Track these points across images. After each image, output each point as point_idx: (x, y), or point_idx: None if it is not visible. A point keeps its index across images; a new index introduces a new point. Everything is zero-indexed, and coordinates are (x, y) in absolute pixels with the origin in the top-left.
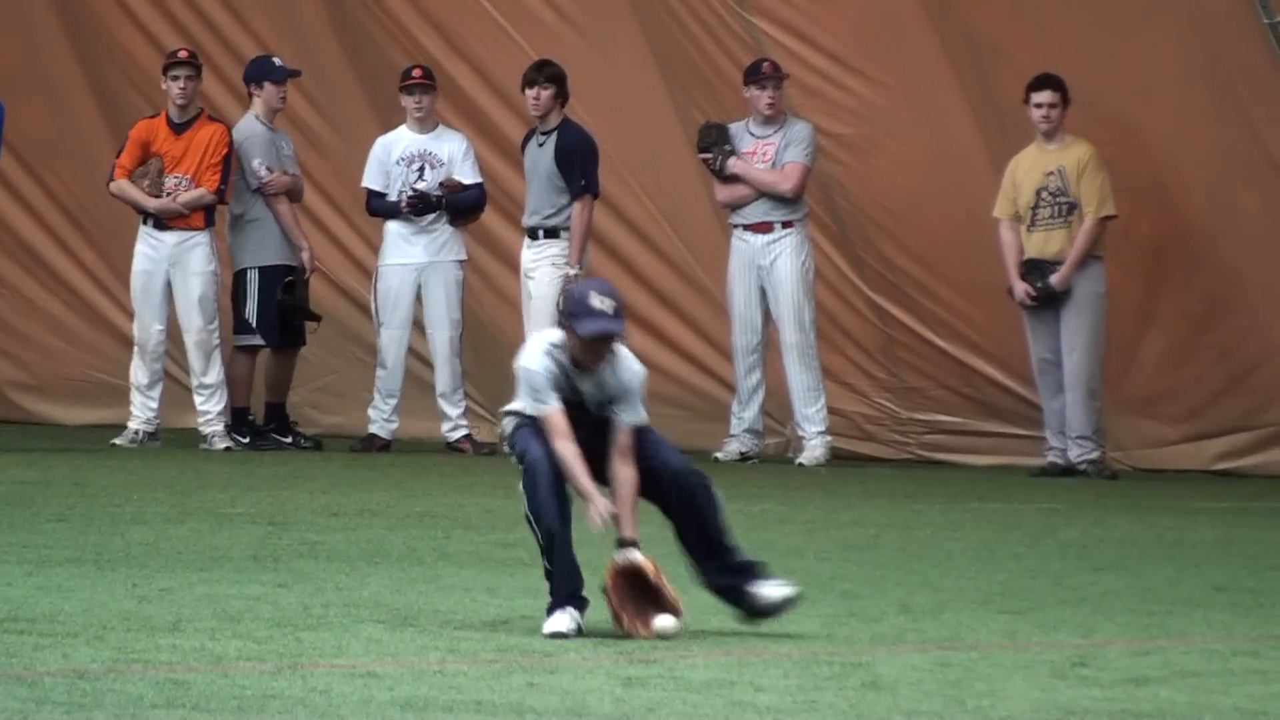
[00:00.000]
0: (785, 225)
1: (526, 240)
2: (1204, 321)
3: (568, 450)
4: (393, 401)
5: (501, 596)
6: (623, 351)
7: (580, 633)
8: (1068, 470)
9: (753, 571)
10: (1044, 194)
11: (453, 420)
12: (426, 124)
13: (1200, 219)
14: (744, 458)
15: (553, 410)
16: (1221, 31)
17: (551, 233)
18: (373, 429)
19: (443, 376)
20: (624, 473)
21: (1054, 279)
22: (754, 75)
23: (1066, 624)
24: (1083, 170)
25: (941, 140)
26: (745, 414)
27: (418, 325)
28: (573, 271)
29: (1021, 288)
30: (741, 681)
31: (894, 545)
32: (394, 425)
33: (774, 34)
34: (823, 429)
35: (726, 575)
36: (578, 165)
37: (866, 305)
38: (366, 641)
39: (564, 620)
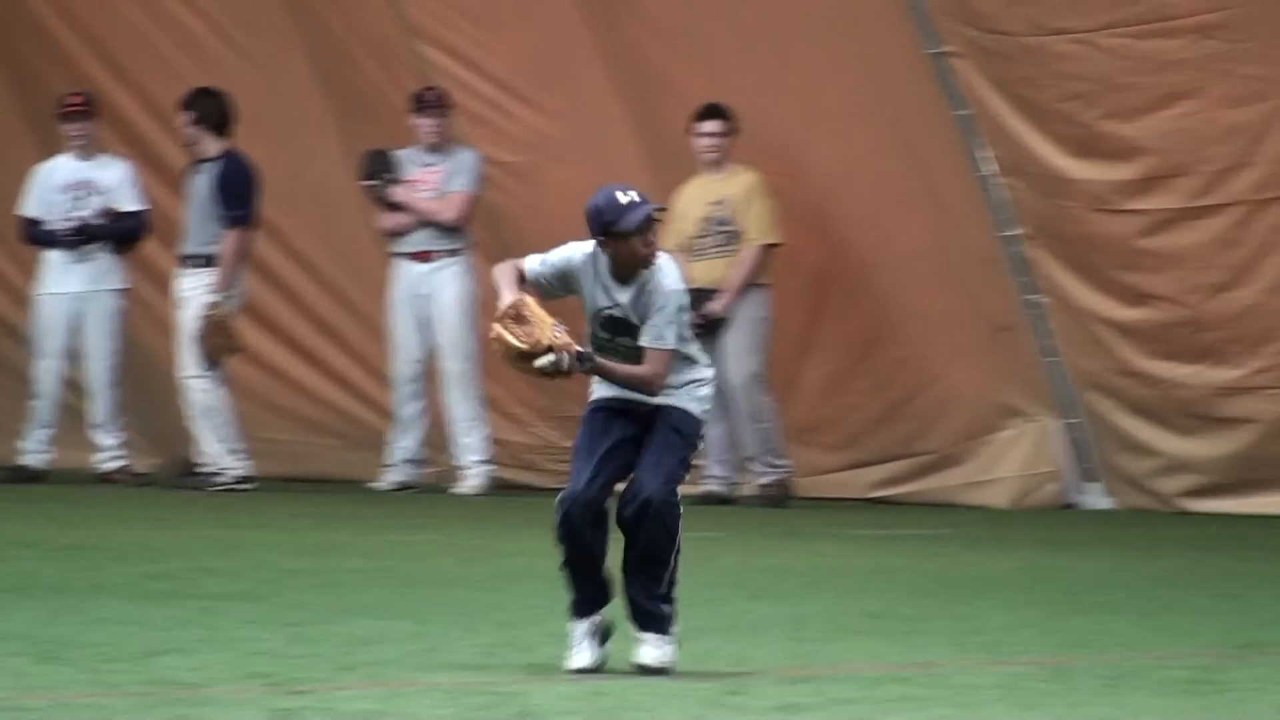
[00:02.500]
0: (449, 254)
1: (181, 269)
2: (863, 351)
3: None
4: (47, 432)
5: (152, 628)
6: (665, 262)
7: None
8: (725, 499)
9: (647, 623)
10: (709, 223)
11: (108, 451)
12: (87, 151)
13: (862, 249)
14: (403, 487)
15: (525, 264)
16: (887, 63)
17: (207, 261)
18: (25, 459)
19: (99, 406)
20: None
21: (713, 305)
22: (420, 104)
23: (721, 652)
24: (748, 198)
25: (609, 170)
26: (405, 443)
27: (78, 354)
28: (217, 299)
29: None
30: (394, 712)
31: (550, 575)
32: (48, 456)
33: (441, 62)
34: (483, 458)
35: (632, 604)
36: (234, 194)
37: None
38: (14, 675)
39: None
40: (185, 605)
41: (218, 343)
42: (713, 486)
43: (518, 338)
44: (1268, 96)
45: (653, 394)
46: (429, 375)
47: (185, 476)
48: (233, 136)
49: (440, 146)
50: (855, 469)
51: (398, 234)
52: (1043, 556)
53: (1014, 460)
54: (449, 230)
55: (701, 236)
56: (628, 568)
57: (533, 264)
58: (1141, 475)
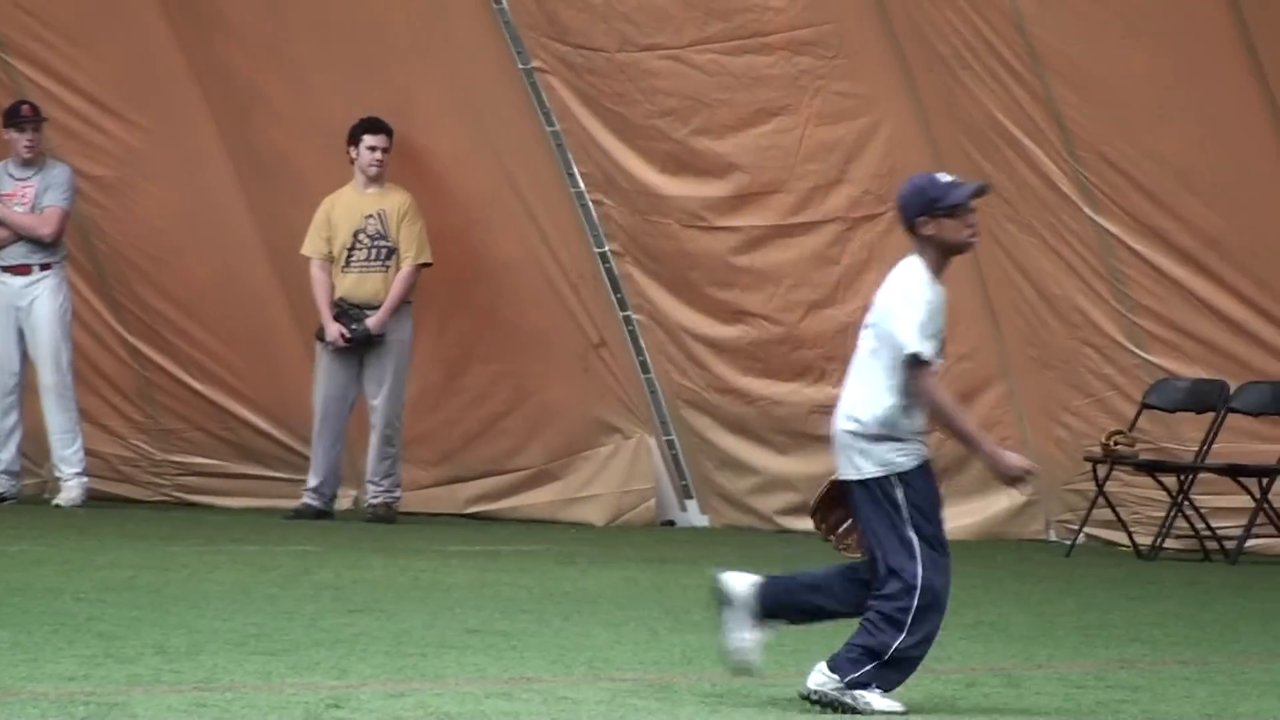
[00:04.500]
0: (43, 268)
1: None
2: (458, 366)
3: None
4: None
5: None
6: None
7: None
8: (323, 513)
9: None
10: (361, 236)
11: None
12: None
13: (457, 264)
14: (0, 499)
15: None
16: (479, 77)
17: None
18: None
19: None
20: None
21: (371, 322)
22: (13, 118)
23: (321, 665)
24: (403, 217)
25: (200, 185)
26: (2, 455)
27: None
28: None
29: (336, 329)
30: None
31: (150, 586)
32: None
33: (33, 76)
34: (80, 470)
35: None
36: None
37: (124, 348)
38: None
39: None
40: None
41: None
42: (310, 500)
43: None
44: (861, 113)
45: None
46: (27, 387)
47: None
48: None
49: (34, 161)
50: (452, 484)
51: None
52: (641, 573)
53: (610, 477)
54: (44, 244)
55: (353, 249)
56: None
57: (929, 348)
58: (740, 493)
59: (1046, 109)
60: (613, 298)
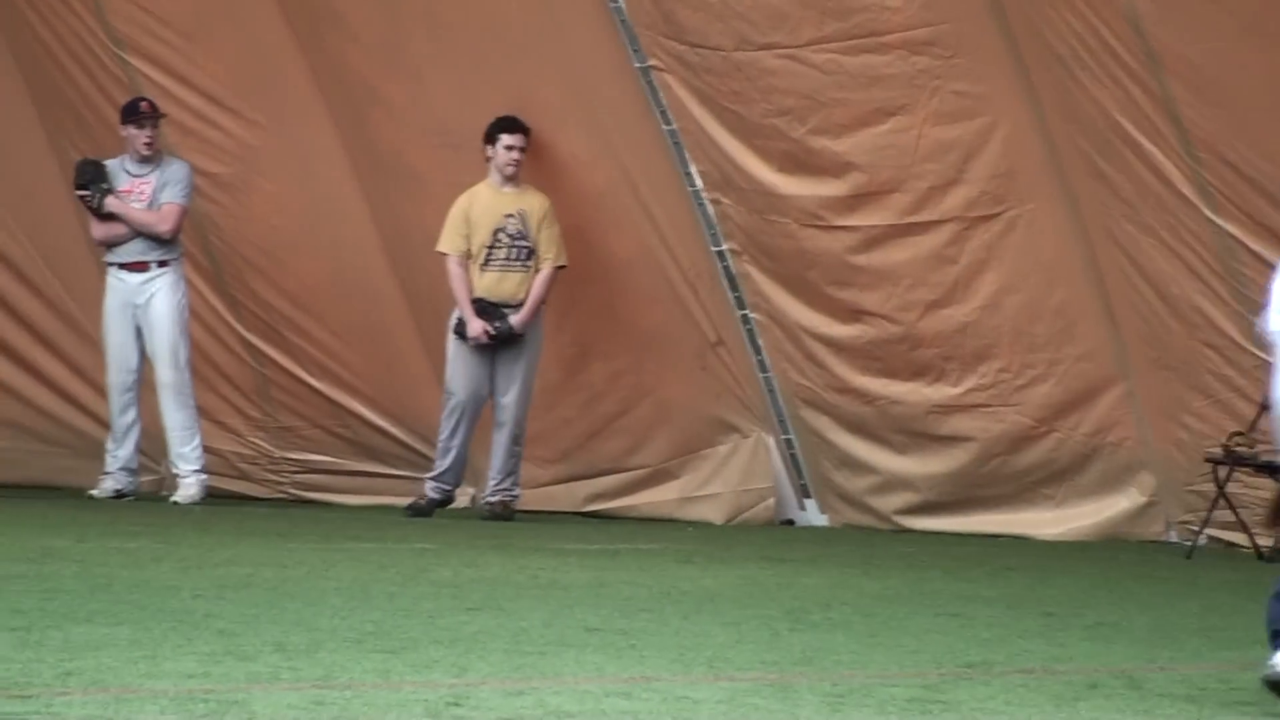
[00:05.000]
0: (161, 265)
1: None
2: (575, 364)
3: None
4: None
5: None
6: None
7: None
8: (444, 503)
9: None
10: (502, 235)
11: None
12: None
13: (574, 263)
14: (119, 495)
15: None
16: (595, 75)
17: None
18: None
19: None
20: None
21: (515, 320)
22: (131, 114)
23: (440, 663)
24: (543, 218)
25: (317, 182)
26: (120, 452)
27: None
28: None
29: (480, 325)
30: (120, 718)
31: (268, 584)
32: None
33: (149, 72)
34: (198, 467)
35: None
36: None
37: (241, 345)
38: None
39: None
40: None
41: None
42: (434, 493)
43: None
44: (978, 113)
45: None
46: (145, 384)
47: None
48: None
49: (151, 158)
50: (569, 483)
51: (111, 244)
52: (761, 572)
53: (729, 476)
54: (162, 241)
55: (493, 247)
56: None
57: None
58: (858, 492)
59: (1164, 109)
60: (730, 297)
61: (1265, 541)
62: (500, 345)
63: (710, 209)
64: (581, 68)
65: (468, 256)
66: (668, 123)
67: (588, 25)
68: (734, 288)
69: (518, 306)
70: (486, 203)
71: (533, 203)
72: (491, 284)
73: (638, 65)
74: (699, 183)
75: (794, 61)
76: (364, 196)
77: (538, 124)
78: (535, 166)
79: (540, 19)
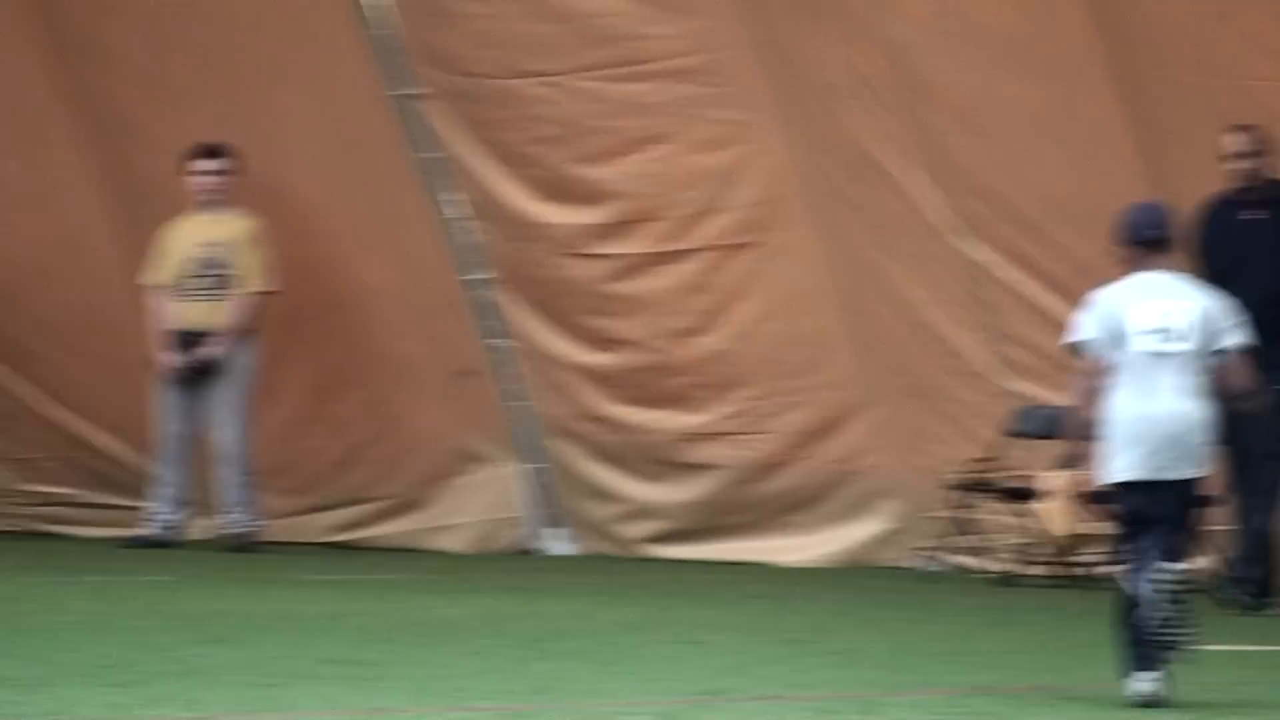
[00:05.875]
0: None
1: None
2: (324, 393)
3: None
4: None
5: None
6: None
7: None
8: (165, 544)
9: None
10: (199, 264)
11: None
12: None
13: (325, 292)
14: None
15: None
16: (353, 104)
17: None
18: None
19: None
20: None
21: (207, 350)
22: None
23: (174, 697)
24: (245, 243)
25: (65, 212)
26: None
27: None
28: None
29: (167, 358)
30: None
31: (1, 618)
32: None
33: None
34: None
35: None
36: None
37: None
38: None
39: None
40: None
41: None
42: (156, 529)
43: None
44: (739, 141)
45: None
46: None
47: None
48: None
49: None
50: (315, 513)
51: None
52: (504, 602)
53: (475, 505)
54: None
55: (192, 277)
56: None
57: None
58: (606, 521)
59: (920, 139)
60: (481, 326)
61: (1004, 567)
62: (203, 377)
63: (464, 237)
64: (336, 96)
65: (166, 286)
66: (423, 150)
67: (343, 54)
68: (485, 316)
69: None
70: (181, 231)
71: (233, 228)
72: (185, 313)
73: (391, 93)
74: (455, 211)
75: (556, 89)
76: (110, 228)
77: (290, 150)
78: (286, 193)
79: (296, 48)
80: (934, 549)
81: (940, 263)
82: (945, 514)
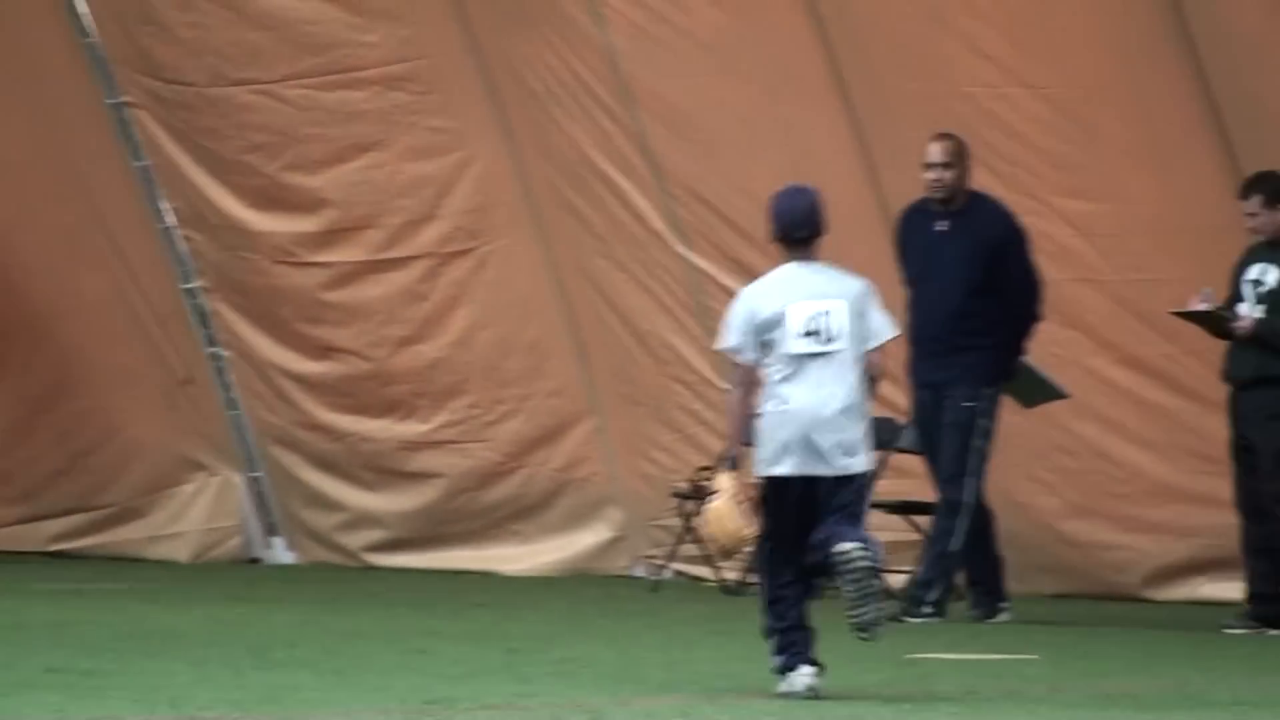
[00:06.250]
0: None
1: None
2: (43, 403)
3: None
4: None
5: None
6: None
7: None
8: None
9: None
10: None
11: None
12: None
13: (42, 301)
14: None
15: None
16: (65, 112)
17: None
18: None
19: None
20: None
21: None
22: None
23: None
24: None
25: None
26: None
27: None
28: None
29: None
30: None
31: None
32: None
33: None
34: None
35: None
36: None
37: None
38: None
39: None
40: None
41: None
42: None
43: None
44: (453, 149)
45: None
46: None
47: None
48: None
49: None
50: (33, 522)
51: None
52: (226, 611)
53: (196, 514)
54: None
55: None
56: None
57: None
58: (327, 530)
59: (638, 145)
60: (201, 334)
61: (730, 575)
62: None
63: (182, 246)
64: (52, 105)
65: None
66: (139, 159)
67: (59, 63)
68: (204, 325)
69: None
70: None
71: None
72: None
73: (110, 101)
74: (171, 219)
75: (268, 97)
76: None
77: (7, 160)
78: (1, 205)
79: (11, 56)
80: (661, 557)
81: (662, 269)
82: (671, 522)
